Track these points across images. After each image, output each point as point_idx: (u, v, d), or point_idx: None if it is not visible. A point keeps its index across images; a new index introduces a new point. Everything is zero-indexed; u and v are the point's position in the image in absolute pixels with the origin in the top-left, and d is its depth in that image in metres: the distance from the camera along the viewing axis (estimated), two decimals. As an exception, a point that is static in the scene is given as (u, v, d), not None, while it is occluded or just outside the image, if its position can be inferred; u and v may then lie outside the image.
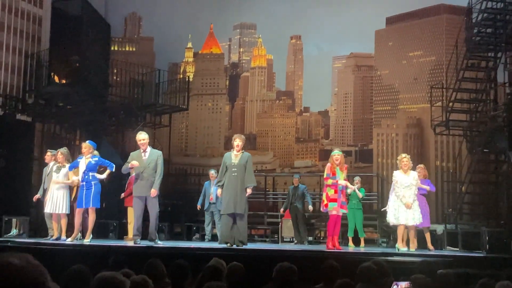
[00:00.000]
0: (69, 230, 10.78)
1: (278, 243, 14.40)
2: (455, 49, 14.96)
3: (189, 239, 14.62)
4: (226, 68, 31.70)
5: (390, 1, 24.21)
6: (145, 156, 9.59)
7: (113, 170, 10.30)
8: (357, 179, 13.28)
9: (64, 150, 11.05)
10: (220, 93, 30.30)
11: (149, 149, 9.72)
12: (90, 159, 10.14)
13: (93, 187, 10.04)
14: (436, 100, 15.57)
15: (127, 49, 27.58)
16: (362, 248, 12.16)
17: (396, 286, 4.62)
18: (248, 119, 31.37)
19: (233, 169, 9.43)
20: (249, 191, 9.41)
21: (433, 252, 10.46)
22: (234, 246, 9.27)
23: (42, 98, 15.53)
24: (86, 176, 10.07)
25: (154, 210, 9.52)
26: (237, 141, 9.56)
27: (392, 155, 24.90)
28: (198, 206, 13.74)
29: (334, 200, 9.66)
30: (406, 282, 4.71)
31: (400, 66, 28.33)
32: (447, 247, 11.72)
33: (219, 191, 9.72)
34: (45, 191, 11.01)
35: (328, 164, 9.91)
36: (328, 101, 30.15)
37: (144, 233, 9.71)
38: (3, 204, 13.45)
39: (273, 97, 31.67)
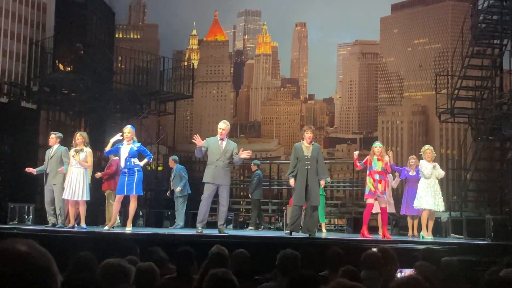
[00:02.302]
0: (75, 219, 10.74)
1: (282, 230, 14.44)
2: (460, 36, 14.89)
3: (194, 226, 14.67)
4: (231, 55, 31.70)
5: (395, -13, 24.16)
6: (222, 145, 9.40)
7: (151, 160, 10.16)
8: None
9: (83, 132, 10.57)
10: (225, 81, 30.32)
11: (226, 138, 9.52)
12: (132, 145, 9.80)
13: (136, 173, 9.74)
14: (441, 88, 15.52)
15: (131, 36, 27.59)
16: (324, 234, 12.37)
17: (400, 273, 4.63)
18: (253, 107, 31.38)
19: (306, 162, 9.46)
20: (322, 183, 9.66)
21: (438, 239, 10.49)
22: (301, 234, 9.37)
23: (46, 86, 15.54)
24: (128, 163, 9.73)
25: (225, 200, 9.46)
26: (309, 133, 9.62)
27: (397, 142, 24.91)
28: (179, 189, 13.16)
29: (372, 190, 9.77)
30: (410, 270, 4.72)
31: (405, 53, 28.27)
32: (452, 234, 11.73)
33: (292, 181, 9.68)
34: (46, 175, 10.59)
35: (368, 157, 9.98)
36: (333, 89, 30.15)
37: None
38: (8, 191, 13.51)
39: (277, 85, 31.66)
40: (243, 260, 5.02)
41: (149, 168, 15.62)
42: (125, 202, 10.07)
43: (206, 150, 9.39)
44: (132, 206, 9.90)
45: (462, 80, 14.63)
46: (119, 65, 17.50)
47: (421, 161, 10.62)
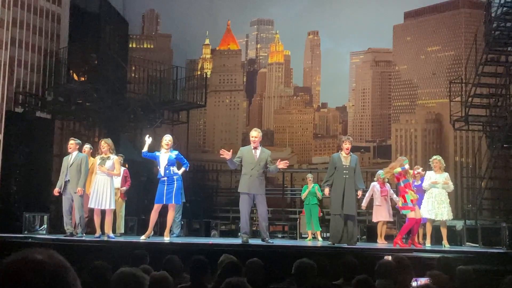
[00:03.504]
0: (89, 227, 10.70)
1: (296, 239, 14.41)
2: (474, 44, 14.83)
3: (208, 235, 14.68)
4: (244, 64, 31.77)
5: (408, -5, 24.12)
6: (256, 154, 9.33)
7: (188, 169, 10.02)
8: (309, 175, 13.87)
9: (108, 139, 10.27)
10: (238, 89, 30.40)
11: (260, 146, 9.44)
12: (170, 153, 9.64)
13: (175, 182, 9.57)
14: (455, 95, 15.46)
15: (145, 46, 27.75)
16: (320, 242, 12.57)
17: (415, 282, 4.60)
18: (266, 115, 31.41)
19: (345, 171, 9.57)
20: (359, 193, 9.75)
21: (453, 248, 10.44)
22: (344, 245, 9.35)
23: (61, 96, 15.65)
24: (167, 171, 9.55)
25: (263, 208, 9.37)
26: (347, 144, 9.73)
27: (411, 150, 24.79)
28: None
29: (412, 202, 9.87)
30: (425, 278, 4.69)
31: (418, 61, 28.19)
32: (467, 243, 11.65)
33: (326, 190, 9.86)
34: (65, 184, 10.10)
35: (399, 169, 10.05)
36: (346, 97, 30.10)
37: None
38: (23, 200, 13.60)
39: (290, 93, 31.67)
40: (257, 269, 5.01)
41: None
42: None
43: (240, 160, 9.33)
44: (171, 215, 9.74)
45: (476, 87, 14.56)
46: (133, 74, 17.61)
47: (427, 172, 10.66)
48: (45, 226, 12.35)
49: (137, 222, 13.91)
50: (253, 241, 10.95)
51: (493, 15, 14.36)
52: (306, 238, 14.22)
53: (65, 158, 10.38)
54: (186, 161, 10.01)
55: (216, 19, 25.08)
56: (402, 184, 10.01)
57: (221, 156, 9.25)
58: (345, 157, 9.68)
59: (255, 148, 9.35)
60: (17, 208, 13.36)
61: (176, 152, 9.76)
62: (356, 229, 10.05)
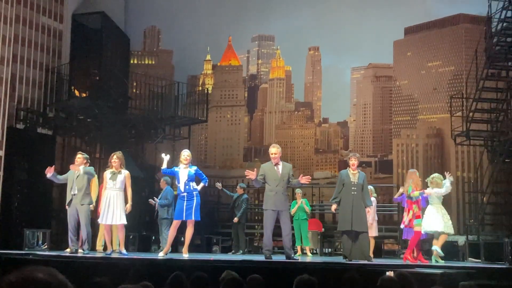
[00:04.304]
0: (92, 242, 10.63)
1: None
2: (474, 59, 14.87)
3: (209, 251, 14.64)
4: (245, 80, 31.79)
5: (408, 11, 24.17)
6: (279, 169, 9.32)
7: (206, 184, 9.93)
8: (298, 191, 14.06)
9: (119, 153, 10.07)
10: (239, 105, 30.39)
11: (281, 161, 9.43)
12: (189, 169, 9.55)
13: (194, 198, 9.47)
14: (456, 110, 15.47)
15: (146, 62, 27.80)
16: (309, 257, 12.76)
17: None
18: (267, 131, 31.39)
19: (353, 188, 9.69)
20: (368, 209, 9.87)
21: (455, 263, 10.38)
22: (355, 261, 9.35)
23: (62, 112, 15.69)
24: (187, 186, 9.44)
25: (288, 225, 9.35)
26: (353, 160, 9.84)
27: (412, 165, 24.72)
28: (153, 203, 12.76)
29: (419, 217, 9.97)
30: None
31: (419, 76, 28.21)
32: (469, 258, 11.61)
33: (334, 206, 9.98)
34: (71, 197, 9.90)
35: (410, 181, 10.17)
36: (347, 112, 30.08)
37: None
38: (24, 217, 13.58)
39: (291, 108, 31.68)
40: (257, 286, 4.99)
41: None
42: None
43: (263, 177, 9.33)
44: (190, 232, 9.58)
45: (477, 102, 14.59)
46: (134, 90, 17.65)
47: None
48: (46, 242, 12.32)
49: (138, 238, 13.88)
50: (253, 257, 10.91)
51: (493, 30, 14.41)
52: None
53: (70, 172, 10.14)
54: (205, 176, 9.88)
55: (218, 35, 25.13)
56: (414, 199, 10.08)
57: (246, 176, 9.30)
58: (353, 174, 9.78)
59: (277, 164, 9.36)
60: (18, 224, 13.34)
61: (195, 168, 9.66)
62: (368, 244, 10.01)
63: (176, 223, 9.62)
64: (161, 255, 9.67)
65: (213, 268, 7.63)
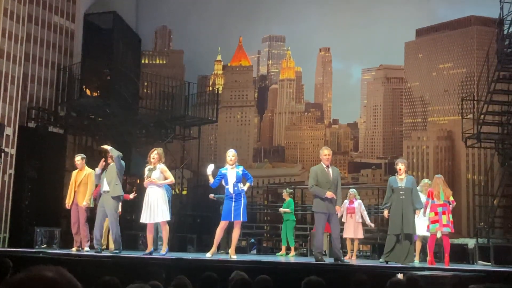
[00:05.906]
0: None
1: (307, 255, 14.33)
2: (486, 61, 14.80)
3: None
4: (255, 80, 31.77)
5: (419, 13, 24.10)
6: (330, 172, 9.35)
7: (252, 184, 9.83)
8: (286, 191, 14.23)
9: (160, 149, 9.84)
10: (249, 105, 30.36)
11: (330, 165, 9.43)
12: (237, 169, 9.38)
13: (242, 199, 9.33)
14: (467, 113, 15.40)
15: (157, 62, 27.85)
16: (292, 257, 12.88)
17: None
18: (277, 131, 31.34)
19: (401, 192, 9.77)
20: (417, 212, 9.87)
21: (465, 266, 10.35)
22: (399, 264, 9.36)
23: (74, 111, 15.76)
24: (236, 187, 9.29)
25: (337, 228, 9.54)
26: (400, 165, 9.97)
27: (422, 168, 24.62)
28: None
29: (436, 222, 10.11)
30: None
31: (430, 78, 28.08)
32: (479, 261, 11.55)
33: (386, 212, 10.11)
34: (100, 195, 9.92)
35: (430, 189, 10.46)
36: (358, 113, 29.99)
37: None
38: (35, 215, 13.65)
39: (301, 109, 31.62)
40: (265, 286, 4.99)
41: (173, 193, 15.68)
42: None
43: (316, 180, 9.35)
44: (237, 232, 9.47)
45: (488, 105, 14.51)
46: (145, 90, 17.70)
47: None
48: (56, 240, 12.38)
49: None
50: (261, 258, 10.91)
51: (505, 32, 14.34)
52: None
53: (97, 170, 10.14)
54: (250, 176, 9.71)
55: (228, 35, 25.15)
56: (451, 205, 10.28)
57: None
58: (400, 179, 9.89)
59: (328, 166, 9.39)
60: (28, 222, 13.41)
61: (241, 168, 9.49)
62: (413, 248, 10.08)
63: (224, 224, 9.46)
64: (208, 255, 9.46)
65: (222, 268, 7.63)
